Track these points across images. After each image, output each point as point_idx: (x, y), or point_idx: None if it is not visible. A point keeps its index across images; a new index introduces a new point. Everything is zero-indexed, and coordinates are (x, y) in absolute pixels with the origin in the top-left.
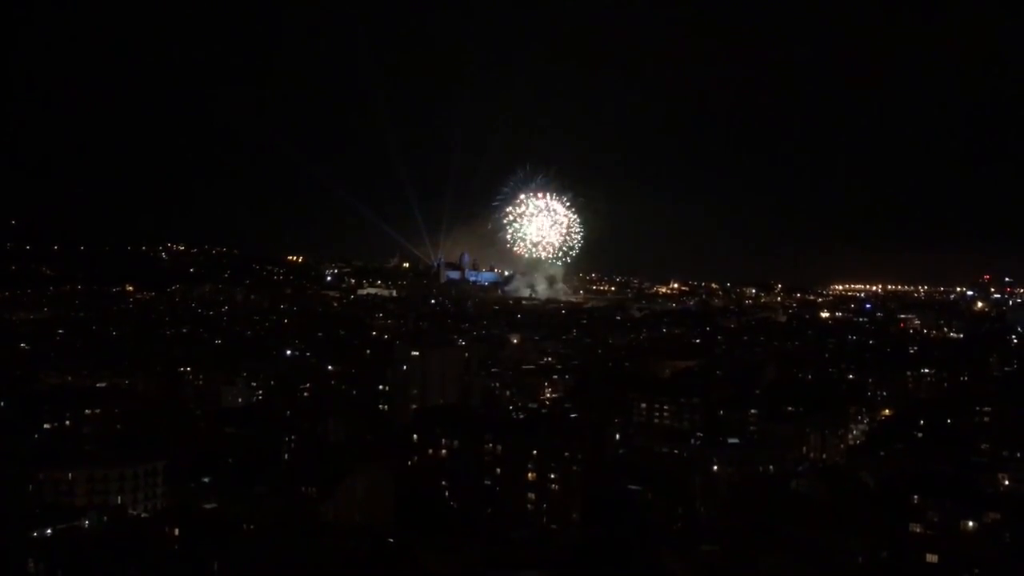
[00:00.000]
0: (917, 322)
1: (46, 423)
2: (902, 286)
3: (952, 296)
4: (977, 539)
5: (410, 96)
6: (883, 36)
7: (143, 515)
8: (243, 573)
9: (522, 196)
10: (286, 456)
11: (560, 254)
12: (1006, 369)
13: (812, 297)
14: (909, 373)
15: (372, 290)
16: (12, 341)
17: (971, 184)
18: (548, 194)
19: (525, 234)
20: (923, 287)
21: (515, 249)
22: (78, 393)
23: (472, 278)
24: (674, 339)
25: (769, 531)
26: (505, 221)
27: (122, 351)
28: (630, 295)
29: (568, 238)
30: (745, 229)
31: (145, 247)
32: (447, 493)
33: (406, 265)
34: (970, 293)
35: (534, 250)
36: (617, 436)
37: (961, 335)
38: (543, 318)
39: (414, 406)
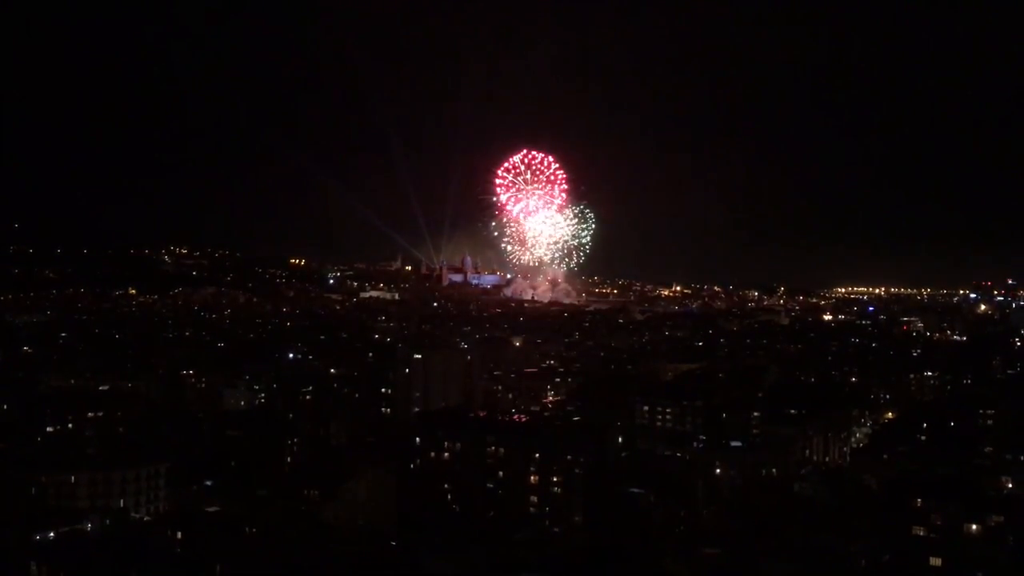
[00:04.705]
0: (920, 325)
1: (48, 426)
2: (905, 289)
3: (955, 299)
4: (980, 542)
5: (412, 97)
6: (886, 36)
7: (145, 518)
8: None
9: (525, 198)
10: (288, 459)
11: (562, 256)
12: (1009, 372)
13: (815, 300)
14: (912, 376)
15: (374, 293)
16: (15, 344)
17: (975, 187)
18: (551, 196)
19: (527, 236)
20: (926, 290)
21: (517, 251)
22: (80, 396)
23: (474, 281)
24: (676, 342)
25: (772, 534)
26: (507, 224)
27: (124, 354)
28: (632, 298)
29: (570, 240)
30: (748, 232)
31: (147, 250)
32: (449, 496)
33: (408, 268)
34: (973, 296)
35: (536, 252)
36: (619, 439)
37: (964, 338)
38: (545, 321)
39: (416, 409)
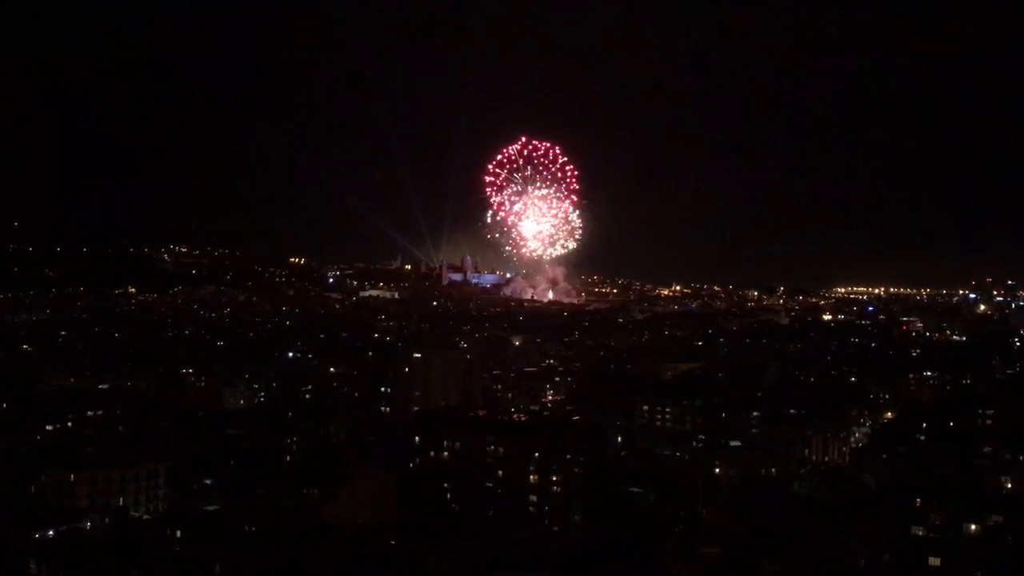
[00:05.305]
0: (919, 325)
1: (48, 425)
2: (904, 289)
3: (955, 299)
4: (979, 542)
5: (412, 96)
6: (886, 35)
7: (145, 517)
8: None
9: (525, 196)
10: (288, 458)
11: (560, 254)
12: (1008, 372)
13: (814, 299)
14: (911, 375)
15: (374, 292)
16: (15, 343)
17: (975, 186)
18: (550, 195)
19: (527, 235)
20: (926, 290)
21: (516, 250)
22: (80, 395)
23: (474, 280)
24: (676, 341)
25: (771, 533)
26: (502, 222)
27: (124, 353)
28: (632, 297)
29: (570, 239)
30: (748, 232)
31: (147, 249)
32: (449, 495)
33: (408, 267)
34: (973, 296)
35: (535, 250)
36: (619, 438)
37: (963, 338)
38: (545, 320)
39: (416, 408)
